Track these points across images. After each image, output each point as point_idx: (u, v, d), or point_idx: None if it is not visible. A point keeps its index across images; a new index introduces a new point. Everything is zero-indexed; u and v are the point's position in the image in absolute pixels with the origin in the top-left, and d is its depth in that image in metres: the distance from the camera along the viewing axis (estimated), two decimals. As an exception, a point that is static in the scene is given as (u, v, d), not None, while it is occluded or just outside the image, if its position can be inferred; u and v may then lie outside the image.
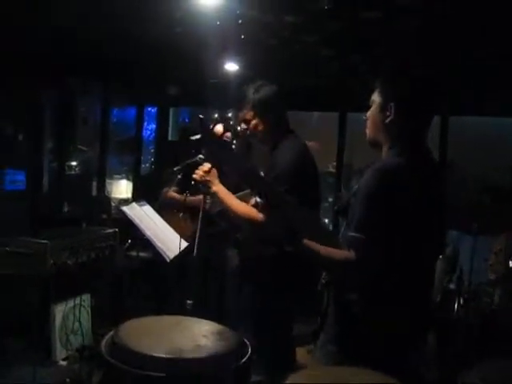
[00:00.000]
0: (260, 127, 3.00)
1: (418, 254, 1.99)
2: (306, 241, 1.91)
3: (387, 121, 2.06)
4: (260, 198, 1.88)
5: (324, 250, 1.94)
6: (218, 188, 2.87)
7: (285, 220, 1.90)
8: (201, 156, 3.14)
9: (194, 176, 2.90)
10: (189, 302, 2.86)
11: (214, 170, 2.90)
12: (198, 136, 2.47)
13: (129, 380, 1.68)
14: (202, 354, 1.75)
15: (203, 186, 2.91)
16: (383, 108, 2.07)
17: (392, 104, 2.04)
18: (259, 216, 2.57)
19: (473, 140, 6.36)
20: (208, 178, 2.87)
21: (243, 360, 1.81)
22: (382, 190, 1.91)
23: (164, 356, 1.70)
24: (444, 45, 4.31)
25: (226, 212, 2.96)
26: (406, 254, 1.93)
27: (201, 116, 2.99)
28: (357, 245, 1.87)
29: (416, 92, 2.09)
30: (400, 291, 1.96)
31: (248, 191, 2.83)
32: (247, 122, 3.02)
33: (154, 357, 1.69)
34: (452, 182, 5.93)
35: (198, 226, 3.03)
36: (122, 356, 1.72)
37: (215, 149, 2.07)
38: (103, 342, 1.84)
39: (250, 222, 2.71)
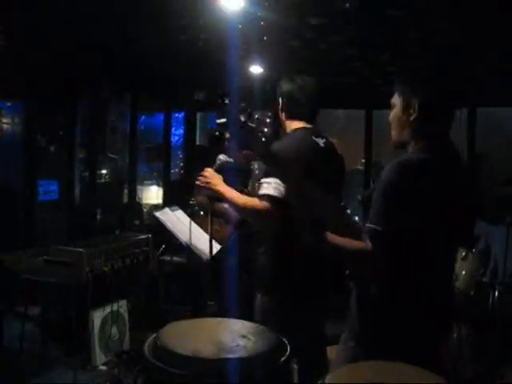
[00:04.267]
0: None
1: (437, 246, 2.00)
2: (328, 233, 1.93)
3: (411, 119, 2.07)
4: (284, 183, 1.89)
5: (344, 241, 1.96)
6: (223, 188, 2.84)
7: (308, 207, 1.91)
8: (220, 157, 3.16)
9: (197, 183, 2.92)
10: (210, 303, 2.88)
11: (213, 172, 2.91)
12: (223, 120, 2.51)
13: (173, 382, 1.72)
14: (244, 353, 1.78)
15: (208, 190, 2.91)
16: (406, 107, 2.09)
17: (415, 102, 2.06)
18: (259, 203, 2.60)
19: (501, 131, 6.29)
20: (209, 181, 2.88)
21: (283, 359, 1.83)
22: (400, 182, 1.92)
23: (207, 357, 1.73)
24: (471, 37, 4.28)
25: None
26: (425, 246, 1.94)
27: (226, 101, 3.01)
28: (373, 236, 1.89)
29: (438, 89, 2.10)
30: (420, 284, 1.96)
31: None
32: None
33: (198, 358, 1.73)
34: (481, 174, 5.88)
35: (209, 231, 3.04)
36: (166, 358, 1.76)
37: (240, 132, 2.10)
38: (146, 346, 1.88)
39: (257, 213, 2.67)
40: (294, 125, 2.95)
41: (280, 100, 2.98)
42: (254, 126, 2.78)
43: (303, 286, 2.71)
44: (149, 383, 1.87)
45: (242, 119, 2.45)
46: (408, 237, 1.88)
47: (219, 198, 2.98)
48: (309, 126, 2.93)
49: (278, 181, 2.52)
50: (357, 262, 1.99)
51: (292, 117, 2.97)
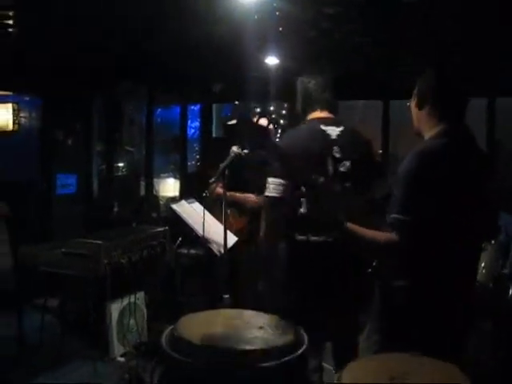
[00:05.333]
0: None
1: (461, 234, 1.98)
2: (350, 224, 1.91)
3: (425, 111, 2.08)
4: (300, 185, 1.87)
5: (368, 233, 1.95)
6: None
7: (326, 205, 1.89)
8: (234, 149, 3.14)
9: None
10: (225, 296, 2.87)
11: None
12: (233, 121, 2.49)
13: (190, 372, 1.72)
14: (262, 345, 1.78)
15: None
16: (421, 98, 2.11)
17: (428, 94, 2.07)
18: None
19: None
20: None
21: (301, 351, 1.82)
22: (422, 170, 1.91)
23: (224, 347, 1.73)
24: (488, 25, 4.22)
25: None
26: (448, 234, 1.92)
27: (236, 102, 3.01)
28: (399, 226, 1.87)
29: (450, 81, 2.11)
30: (444, 275, 1.94)
31: None
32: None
33: (215, 348, 1.73)
34: (499, 162, 5.81)
35: (223, 222, 3.03)
36: (183, 349, 1.77)
37: (252, 133, 2.09)
38: (163, 337, 1.88)
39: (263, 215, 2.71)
40: (308, 117, 2.94)
41: (298, 96, 2.97)
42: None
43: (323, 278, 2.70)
44: (166, 374, 1.87)
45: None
46: (432, 225, 1.87)
47: (235, 186, 2.97)
48: (323, 115, 2.91)
49: (276, 180, 2.53)
50: (382, 252, 1.98)
51: (308, 110, 2.96)
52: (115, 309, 4.34)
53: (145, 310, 4.61)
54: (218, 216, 3.64)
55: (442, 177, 1.90)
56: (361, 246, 2.00)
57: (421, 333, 1.93)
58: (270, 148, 2.04)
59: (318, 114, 2.89)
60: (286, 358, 1.74)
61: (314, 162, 2.57)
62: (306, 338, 1.92)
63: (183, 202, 3.64)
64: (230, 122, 2.47)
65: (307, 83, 2.92)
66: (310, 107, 2.93)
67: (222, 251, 3.17)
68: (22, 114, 6.59)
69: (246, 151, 3.21)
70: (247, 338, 1.84)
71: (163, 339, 1.87)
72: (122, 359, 4.21)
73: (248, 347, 1.76)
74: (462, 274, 2.04)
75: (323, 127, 2.79)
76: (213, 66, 5.94)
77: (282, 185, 2.50)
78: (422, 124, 2.12)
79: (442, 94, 2.08)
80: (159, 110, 8.23)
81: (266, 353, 1.74)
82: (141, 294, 4.58)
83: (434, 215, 1.87)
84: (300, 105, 2.95)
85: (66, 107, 6.23)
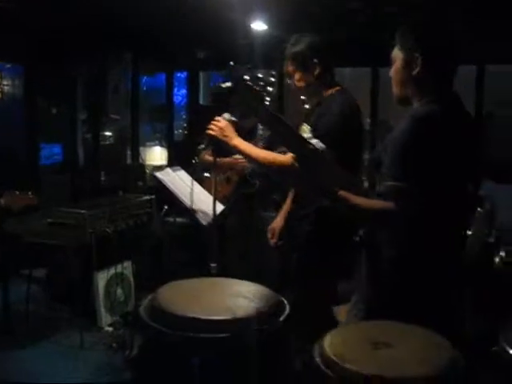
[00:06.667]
0: (302, 81, 2.93)
1: (454, 202, 1.96)
2: (344, 192, 1.88)
3: (414, 73, 2.02)
4: (291, 152, 1.82)
5: (363, 201, 1.92)
6: (238, 141, 2.77)
7: (316, 174, 1.85)
8: (225, 116, 3.09)
9: (210, 132, 2.82)
10: (212, 265, 2.85)
11: (229, 125, 2.82)
12: (228, 84, 2.42)
13: (168, 342, 1.70)
14: (239, 314, 1.75)
15: (220, 144, 2.86)
16: (409, 61, 2.03)
17: (418, 55, 1.99)
18: (287, 159, 2.55)
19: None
20: (225, 133, 2.80)
21: (281, 319, 1.80)
22: (419, 136, 1.87)
23: (201, 317, 1.71)
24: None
25: (258, 171, 2.93)
26: (443, 202, 1.90)
27: (231, 63, 2.91)
28: (397, 193, 1.84)
29: (441, 41, 2.05)
30: (435, 242, 1.93)
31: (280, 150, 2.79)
32: (291, 76, 2.97)
33: (192, 318, 1.70)
34: (491, 133, 5.80)
35: (213, 189, 2.99)
36: (161, 319, 1.75)
37: (248, 98, 2.01)
38: (142, 307, 1.87)
39: (279, 167, 2.64)
40: (326, 88, 2.90)
41: (296, 62, 2.90)
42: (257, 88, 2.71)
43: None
44: (145, 344, 1.85)
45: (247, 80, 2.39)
46: (428, 193, 1.84)
47: (225, 151, 2.93)
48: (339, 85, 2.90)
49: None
50: (380, 220, 1.94)
51: (319, 77, 2.90)
52: (102, 278, 4.32)
53: (132, 280, 4.60)
54: (206, 183, 3.61)
55: (440, 144, 1.86)
56: (356, 214, 1.97)
57: (409, 301, 1.91)
58: (265, 114, 1.95)
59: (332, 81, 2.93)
60: (267, 326, 1.72)
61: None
62: (287, 306, 1.90)
63: (168, 169, 3.59)
64: (224, 85, 2.40)
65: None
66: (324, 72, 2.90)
67: (209, 221, 3.15)
68: (4, 82, 6.45)
69: (234, 119, 3.16)
70: (227, 307, 1.82)
71: (142, 308, 1.85)
72: (109, 328, 4.22)
73: (227, 316, 1.73)
74: (453, 242, 2.04)
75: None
76: (198, 33, 5.83)
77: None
78: (411, 89, 2.05)
79: (435, 54, 2.01)
80: (145, 77, 8.11)
81: (245, 321, 1.71)
82: (128, 264, 4.56)
83: (431, 182, 1.84)
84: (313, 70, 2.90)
85: (50, 75, 6.11)
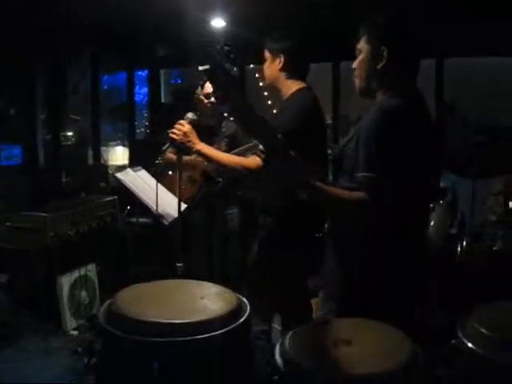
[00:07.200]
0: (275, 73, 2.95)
1: (417, 195, 1.99)
2: (318, 183, 1.86)
3: (379, 66, 2.03)
4: (261, 144, 1.80)
5: (336, 191, 1.93)
6: (201, 146, 2.84)
7: (285, 168, 1.84)
8: (189, 115, 3.09)
9: (173, 136, 2.87)
10: (178, 264, 2.85)
11: (193, 130, 2.88)
12: (206, 66, 2.40)
13: (125, 346, 1.67)
14: (197, 317, 1.73)
15: (183, 146, 2.87)
16: (375, 54, 2.04)
17: (384, 48, 2.00)
18: (252, 162, 2.57)
19: (469, 81, 6.28)
20: (189, 138, 2.83)
21: (241, 320, 1.79)
22: (386, 128, 1.89)
23: (158, 321, 1.68)
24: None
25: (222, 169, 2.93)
26: (409, 193, 1.92)
27: (209, 48, 2.90)
28: (369, 184, 1.85)
29: (407, 34, 2.06)
30: (400, 234, 1.95)
31: (246, 146, 2.79)
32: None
33: (149, 322, 1.67)
34: (452, 125, 5.89)
35: (177, 189, 2.99)
36: (119, 323, 1.71)
37: (224, 81, 1.99)
38: (101, 310, 1.84)
39: (244, 170, 2.69)
40: (295, 85, 2.91)
41: (280, 58, 2.90)
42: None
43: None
44: (103, 348, 1.82)
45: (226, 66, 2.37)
46: (396, 183, 1.85)
47: (188, 151, 2.94)
48: (305, 84, 2.91)
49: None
50: (352, 211, 1.93)
51: (293, 76, 2.92)
52: (66, 282, 4.26)
53: (96, 282, 4.54)
54: (169, 183, 3.58)
55: (406, 136, 1.88)
56: (329, 205, 1.97)
57: (374, 296, 1.92)
58: (240, 100, 1.94)
59: (302, 83, 2.96)
60: (227, 328, 1.71)
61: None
62: (248, 305, 1.89)
63: (128, 170, 3.56)
64: (201, 68, 2.38)
65: (293, 47, 2.94)
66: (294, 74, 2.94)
67: (169, 220, 3.13)
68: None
69: (196, 118, 3.15)
70: (186, 310, 1.80)
71: (101, 312, 1.82)
72: (75, 332, 4.16)
73: (184, 320, 1.70)
74: (417, 234, 2.07)
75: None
76: (158, 30, 5.78)
77: None
78: (375, 82, 2.06)
79: (402, 47, 2.03)
80: (105, 76, 8.00)
81: (202, 324, 1.69)
82: (92, 266, 4.51)
83: (399, 174, 1.86)
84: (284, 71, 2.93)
85: (6, 74, 5.97)
